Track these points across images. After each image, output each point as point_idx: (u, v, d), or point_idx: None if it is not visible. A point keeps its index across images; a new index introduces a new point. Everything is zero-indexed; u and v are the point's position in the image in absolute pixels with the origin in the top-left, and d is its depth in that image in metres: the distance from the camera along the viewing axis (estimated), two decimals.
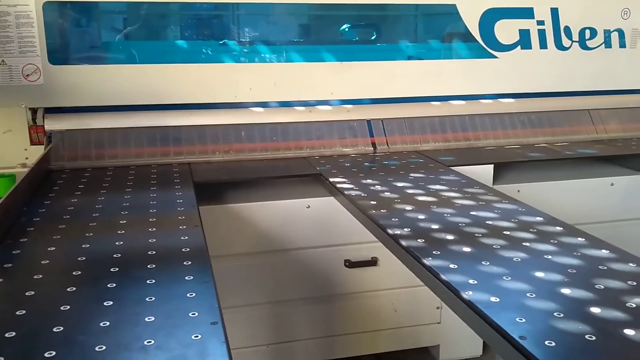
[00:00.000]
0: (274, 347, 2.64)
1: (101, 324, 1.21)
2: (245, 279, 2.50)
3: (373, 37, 3.03)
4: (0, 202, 1.74)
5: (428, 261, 1.54)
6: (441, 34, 3.06)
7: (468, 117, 3.08)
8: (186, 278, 1.44)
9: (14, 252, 1.62)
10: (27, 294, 1.36)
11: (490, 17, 3.02)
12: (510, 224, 1.83)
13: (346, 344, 2.72)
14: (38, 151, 2.59)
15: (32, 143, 2.65)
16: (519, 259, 1.55)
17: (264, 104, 2.86)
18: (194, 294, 1.35)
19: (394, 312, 2.74)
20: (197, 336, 1.17)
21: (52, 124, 2.64)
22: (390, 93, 3.00)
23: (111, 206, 2.05)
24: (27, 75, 2.57)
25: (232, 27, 2.81)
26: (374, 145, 2.92)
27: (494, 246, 1.64)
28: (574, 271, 1.47)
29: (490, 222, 1.84)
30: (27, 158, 2.62)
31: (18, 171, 2.53)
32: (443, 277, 1.44)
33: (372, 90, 2.97)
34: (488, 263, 1.52)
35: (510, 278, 1.43)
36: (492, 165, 2.69)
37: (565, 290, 1.36)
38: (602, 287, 1.38)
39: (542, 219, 1.87)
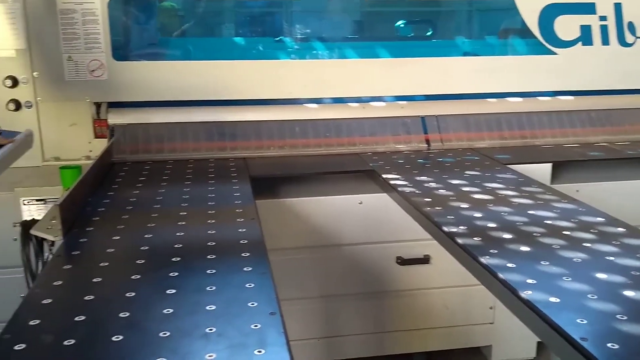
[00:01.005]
0: (325, 340, 2.66)
1: (164, 311, 1.26)
2: (297, 272, 2.53)
3: (428, 33, 3.01)
4: (69, 192, 1.81)
5: (485, 259, 1.52)
6: (498, 30, 3.01)
7: (525, 115, 3.02)
8: (245, 269, 1.48)
9: (81, 240, 1.69)
10: (94, 280, 1.42)
11: (550, 13, 2.95)
12: (569, 224, 1.79)
13: (397, 341, 2.72)
14: (101, 144, 2.68)
15: (96, 136, 2.74)
16: (580, 260, 1.52)
17: (317, 100, 2.88)
18: (253, 285, 1.38)
19: (446, 310, 2.72)
20: (257, 325, 1.20)
21: (115, 118, 2.73)
22: (445, 89, 2.97)
23: (171, 198, 2.11)
24: (92, 70, 2.66)
25: (287, 24, 2.84)
26: (427, 142, 2.90)
27: (553, 246, 1.61)
28: (638, 273, 1.43)
29: (549, 222, 1.81)
30: (90, 151, 2.72)
31: (82, 163, 2.62)
32: (501, 275, 1.43)
33: (427, 87, 2.95)
34: (547, 263, 1.49)
35: (570, 279, 1.40)
36: (551, 164, 2.63)
37: (629, 293, 1.33)
38: None
39: (603, 219, 1.82)
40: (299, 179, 2.61)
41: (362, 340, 2.69)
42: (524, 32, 2.96)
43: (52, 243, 1.74)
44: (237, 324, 1.20)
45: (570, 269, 1.46)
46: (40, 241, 1.83)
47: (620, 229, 1.74)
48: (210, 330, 1.18)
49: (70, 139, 2.72)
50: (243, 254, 1.57)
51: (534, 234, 1.70)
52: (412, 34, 3.07)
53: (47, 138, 2.71)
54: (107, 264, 1.53)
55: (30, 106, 2.65)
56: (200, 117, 2.79)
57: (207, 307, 1.27)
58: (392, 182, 2.30)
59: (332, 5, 2.88)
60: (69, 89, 2.67)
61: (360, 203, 2.51)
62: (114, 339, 1.15)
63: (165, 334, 1.17)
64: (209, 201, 2.07)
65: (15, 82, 2.61)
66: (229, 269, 1.49)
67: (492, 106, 3.01)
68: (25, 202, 2.33)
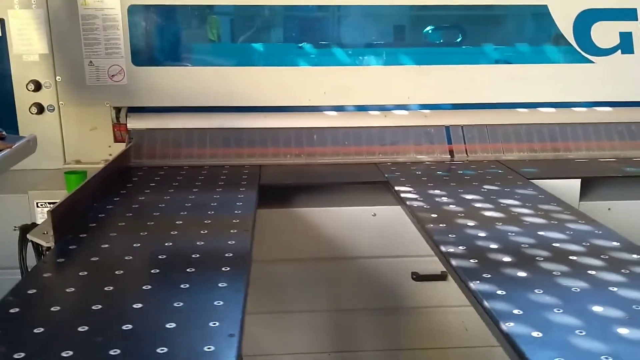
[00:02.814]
0: (336, 355, 2.59)
1: (123, 327, 1.22)
2: (308, 284, 2.47)
3: (454, 40, 2.90)
4: (65, 198, 1.82)
5: (474, 285, 1.43)
6: (529, 36, 2.86)
7: (558, 126, 2.86)
8: (219, 285, 1.43)
9: (71, 247, 1.69)
10: (67, 290, 1.41)
11: (586, 19, 2.78)
12: (579, 247, 1.66)
13: (412, 359, 2.62)
14: (121, 148, 2.70)
15: (116, 140, 2.77)
16: (578, 289, 1.40)
17: (338, 108, 2.82)
18: (222, 303, 1.33)
19: (465, 330, 2.60)
20: (210, 348, 1.14)
21: (134, 123, 2.75)
22: (472, 98, 2.85)
23: (174, 206, 2.10)
24: (112, 75, 2.69)
25: (308, 30, 2.79)
26: (451, 153, 2.79)
27: (553, 272, 1.49)
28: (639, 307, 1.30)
29: (557, 245, 1.68)
30: (110, 154, 2.75)
31: (101, 167, 2.65)
32: (486, 303, 1.33)
33: (453, 95, 2.84)
34: (541, 291, 1.38)
35: (561, 310, 1.29)
36: (579, 179, 2.47)
37: (623, 330, 1.20)
38: None
39: (618, 243, 1.69)
40: (312, 189, 2.55)
41: (376, 357, 2.60)
42: (558, 39, 2.81)
43: (48, 248, 1.75)
44: (191, 344, 1.16)
45: (565, 299, 1.35)
46: (36, 246, 1.84)
47: (635, 256, 1.60)
48: (162, 350, 1.14)
49: (91, 143, 2.76)
50: (223, 269, 1.53)
51: (537, 258, 1.59)
52: (438, 41, 2.95)
53: (68, 141, 2.76)
54: (85, 273, 1.52)
55: (53, 110, 2.71)
56: (218, 124, 2.77)
57: (167, 325, 1.23)
58: (402, 194, 2.21)
59: (354, 11, 2.80)
60: (89, 93, 2.70)
61: (374, 215, 2.42)
62: (63, 354, 1.12)
63: (115, 351, 1.13)
64: (209, 209, 2.04)
65: (38, 86, 2.67)
66: (203, 285, 1.45)
67: (522, 117, 2.87)
68: (39, 204, 2.37)
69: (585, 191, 2.51)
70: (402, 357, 2.60)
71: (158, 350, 1.13)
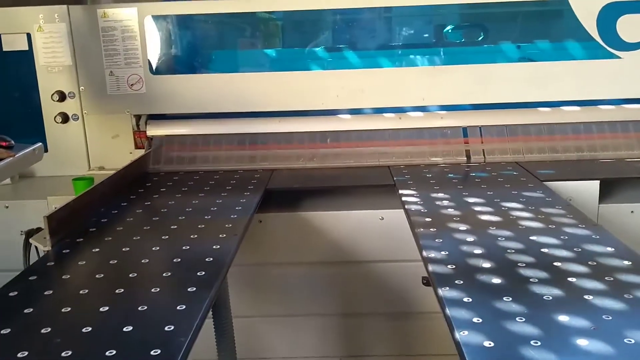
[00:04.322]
0: None
1: (83, 330, 1.26)
2: (316, 288, 2.47)
3: (472, 39, 2.82)
4: (65, 204, 1.90)
5: (442, 291, 1.39)
6: (549, 33, 2.75)
7: (583, 125, 2.74)
8: (189, 289, 1.45)
9: (64, 251, 1.76)
10: (45, 293, 1.47)
11: (611, 12, 2.65)
12: (569, 253, 1.59)
13: None
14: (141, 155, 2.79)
15: (137, 147, 2.86)
16: (550, 297, 1.34)
17: (351, 111, 2.81)
18: (184, 307, 1.36)
19: None
20: (157, 351, 1.17)
21: (153, 130, 2.83)
22: (490, 98, 2.77)
23: (175, 210, 2.14)
24: (132, 84, 2.78)
25: (319, 34, 2.79)
26: (467, 155, 2.72)
27: (530, 279, 1.43)
28: (609, 318, 1.23)
29: (545, 250, 1.61)
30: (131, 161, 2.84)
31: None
32: (447, 310, 1.30)
33: (470, 96, 2.77)
34: (510, 299, 1.33)
35: (524, 319, 1.24)
36: (598, 181, 2.36)
37: (582, 342, 1.14)
38: (633, 341, 1.13)
39: (612, 249, 1.60)
40: (321, 192, 2.55)
41: None
42: (581, 34, 2.68)
43: (47, 252, 1.83)
44: (140, 347, 1.18)
45: (533, 307, 1.29)
46: (37, 250, 1.93)
47: (626, 263, 1.51)
48: (110, 353, 1.17)
49: (113, 150, 2.86)
50: (199, 273, 1.55)
51: (519, 264, 1.53)
52: (454, 40, 2.88)
53: (92, 149, 2.87)
54: (68, 276, 1.58)
55: (77, 119, 2.82)
56: (233, 129, 2.81)
57: (125, 329, 1.26)
58: (403, 198, 2.18)
59: (365, 13, 2.78)
60: (110, 102, 2.80)
61: (382, 219, 2.39)
62: (19, 355, 1.17)
63: (67, 353, 1.17)
64: (207, 214, 2.08)
65: (63, 97, 2.79)
66: (173, 289, 1.48)
67: (544, 116, 2.76)
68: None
69: (608, 193, 2.40)
70: None
71: (107, 354, 1.17)
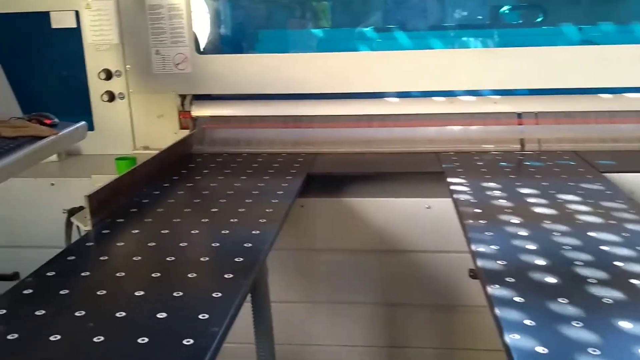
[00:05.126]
0: (388, 350, 2.51)
1: (117, 314, 1.24)
2: (357, 276, 2.41)
3: (530, 20, 2.68)
4: (106, 184, 1.88)
5: (491, 288, 1.31)
6: (614, 14, 2.58)
7: None
8: (225, 276, 1.41)
9: (104, 231, 1.74)
10: (82, 274, 1.45)
11: None
12: (631, 252, 1.47)
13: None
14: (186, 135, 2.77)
15: (181, 127, 2.84)
16: (611, 301, 1.23)
17: (399, 94, 2.71)
18: (220, 295, 1.31)
19: None
20: (189, 341, 1.13)
21: (198, 110, 2.80)
22: (548, 83, 2.62)
23: (216, 193, 2.11)
24: (177, 64, 2.75)
25: (368, 14, 2.70)
26: (522, 142, 2.59)
27: (588, 280, 1.33)
28: None
29: (605, 248, 1.50)
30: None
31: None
32: (496, 310, 1.21)
33: (526, 80, 2.63)
34: (566, 301, 1.23)
35: (581, 324, 1.14)
36: None
37: None
38: None
39: None
40: (366, 178, 2.47)
41: (429, 354, 2.49)
42: None
43: (87, 232, 1.82)
44: (174, 337, 1.15)
45: (591, 311, 1.19)
46: (78, 229, 1.92)
47: None
48: (142, 340, 1.13)
49: (158, 130, 2.84)
50: (236, 259, 1.50)
51: (575, 263, 1.42)
52: (511, 21, 2.74)
53: (138, 128, 2.86)
54: (106, 258, 1.57)
55: (123, 97, 2.82)
56: (278, 111, 2.76)
57: (158, 315, 1.23)
58: (452, 187, 2.08)
59: None
60: (156, 81, 2.79)
61: (428, 207, 2.30)
62: (51, 338, 1.15)
63: (99, 338, 1.15)
64: (249, 197, 2.03)
65: (109, 75, 2.79)
66: (211, 274, 1.44)
67: (605, 103, 2.60)
68: None
69: None
70: (457, 357, 2.48)
71: (139, 341, 1.13)
